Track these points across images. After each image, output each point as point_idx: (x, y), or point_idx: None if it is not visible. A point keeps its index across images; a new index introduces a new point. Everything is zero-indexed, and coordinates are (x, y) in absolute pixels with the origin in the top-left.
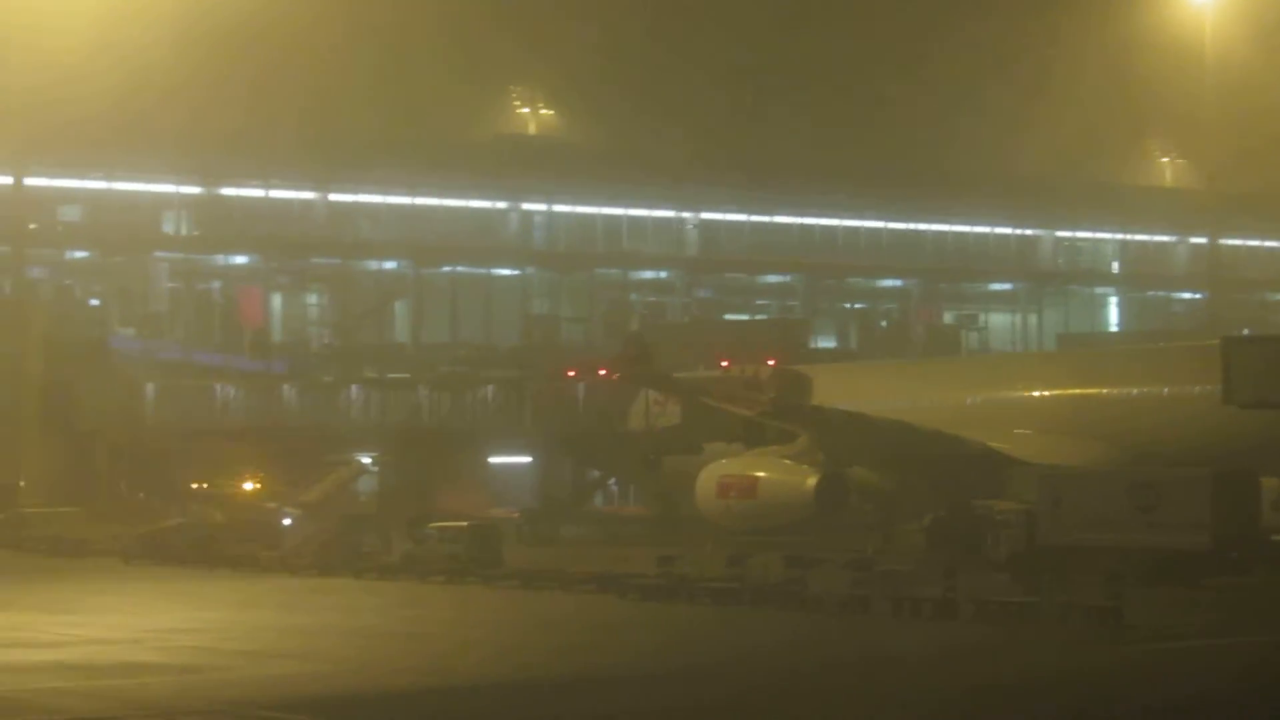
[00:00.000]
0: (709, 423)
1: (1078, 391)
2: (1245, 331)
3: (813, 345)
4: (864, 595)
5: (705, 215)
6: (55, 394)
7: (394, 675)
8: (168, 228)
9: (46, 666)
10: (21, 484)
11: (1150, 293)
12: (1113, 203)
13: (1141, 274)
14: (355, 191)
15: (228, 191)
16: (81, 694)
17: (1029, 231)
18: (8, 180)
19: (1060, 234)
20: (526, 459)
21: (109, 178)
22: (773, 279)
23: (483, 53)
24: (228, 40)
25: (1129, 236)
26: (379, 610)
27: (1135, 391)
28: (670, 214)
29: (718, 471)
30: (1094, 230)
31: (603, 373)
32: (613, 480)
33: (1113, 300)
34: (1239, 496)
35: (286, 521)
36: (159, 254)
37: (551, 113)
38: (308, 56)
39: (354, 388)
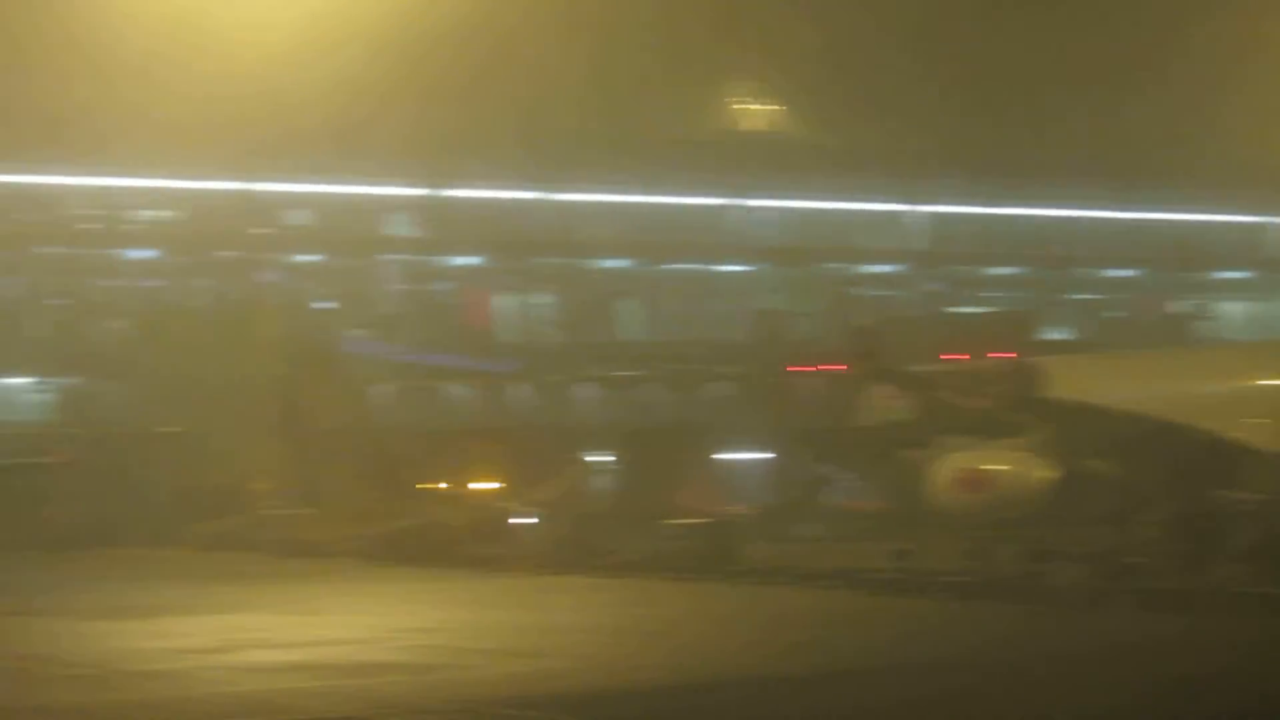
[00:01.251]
0: (942, 416)
1: None
2: None
3: (1043, 337)
4: (1102, 587)
5: (933, 208)
6: (288, 397)
7: (631, 672)
8: (395, 230)
9: (288, 667)
10: (258, 486)
11: None
12: None
13: None
14: (581, 190)
15: (454, 193)
16: (324, 694)
17: (1260, 219)
18: (238, 186)
19: None
20: (759, 454)
21: (336, 181)
22: (1002, 271)
23: (708, 48)
24: (447, 40)
25: None
26: (614, 607)
27: None
28: (898, 207)
29: (951, 465)
30: None
31: (833, 367)
32: (847, 475)
33: None
34: None
35: (520, 520)
36: (387, 256)
37: (777, 107)
38: (530, 55)
39: (584, 385)
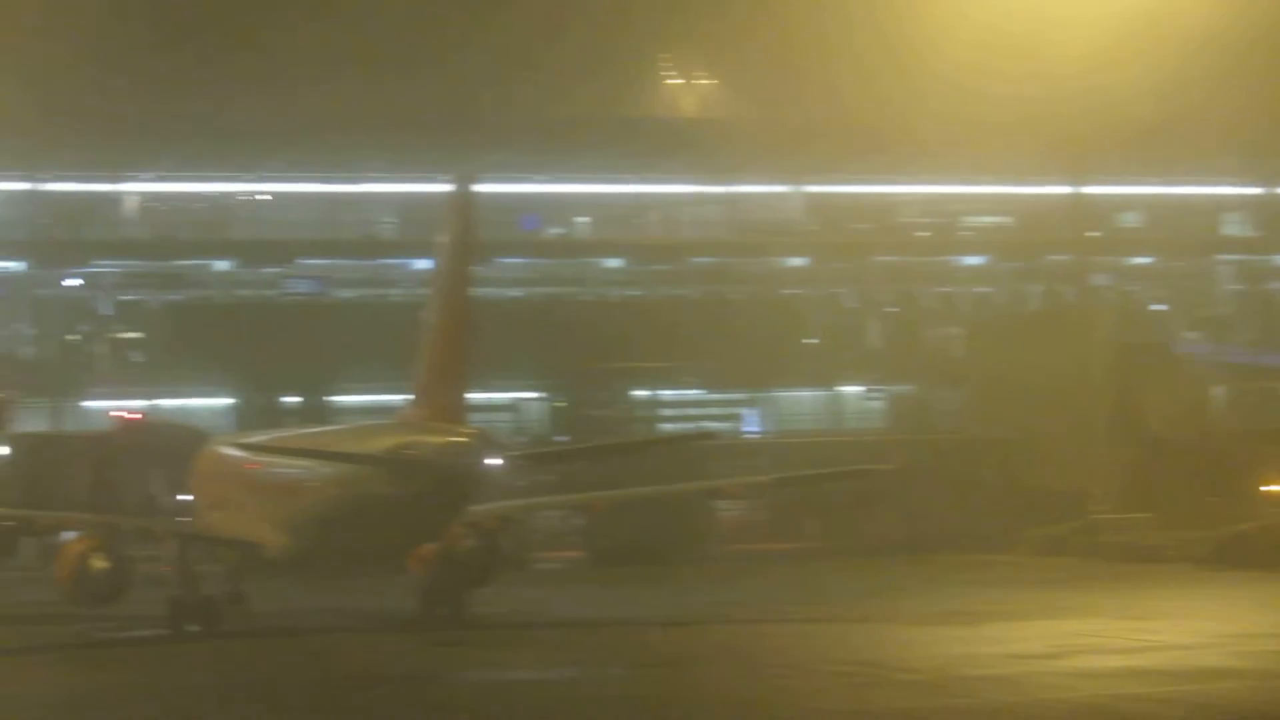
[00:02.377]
0: None
1: None
2: None
3: None
4: None
5: None
6: (1123, 399)
7: None
8: (1229, 229)
9: (1122, 672)
10: (1091, 491)
11: None
12: None
13: None
14: None
15: None
16: (1158, 700)
17: None
18: (1066, 189)
19: None
20: None
21: (1165, 182)
22: None
23: None
24: (1273, 32)
25: None
26: None
27: None
28: None
29: None
30: None
31: None
32: None
33: None
34: None
35: None
36: (1221, 256)
37: None
38: None
39: None
